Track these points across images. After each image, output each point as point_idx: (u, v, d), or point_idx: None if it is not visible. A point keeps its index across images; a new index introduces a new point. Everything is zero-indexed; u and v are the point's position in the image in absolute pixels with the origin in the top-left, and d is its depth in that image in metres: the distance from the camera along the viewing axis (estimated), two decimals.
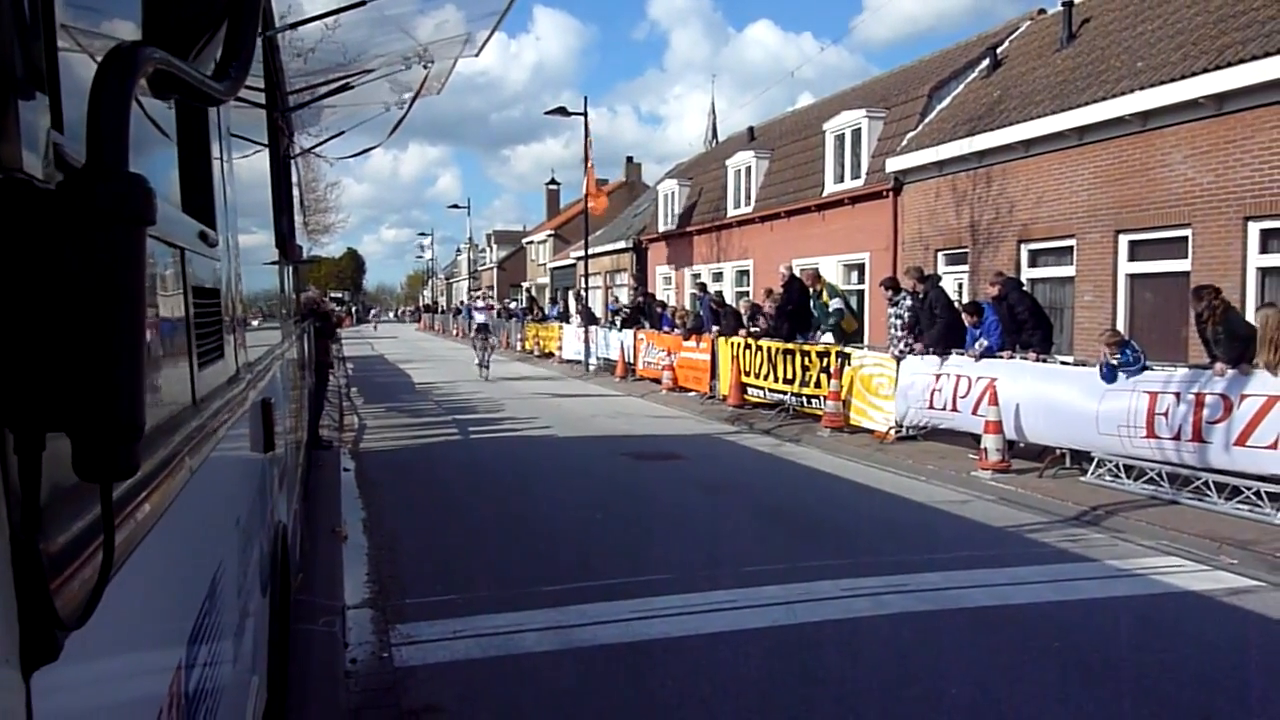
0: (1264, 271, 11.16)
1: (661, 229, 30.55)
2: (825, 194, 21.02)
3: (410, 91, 7.26)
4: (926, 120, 18.71)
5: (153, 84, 1.04)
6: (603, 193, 29.12)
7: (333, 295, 43.47)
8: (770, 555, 7.00)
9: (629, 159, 53.47)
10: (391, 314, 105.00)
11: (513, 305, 41.15)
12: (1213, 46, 12.06)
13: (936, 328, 11.69)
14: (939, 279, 14.12)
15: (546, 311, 34.19)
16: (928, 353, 11.69)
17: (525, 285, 55.32)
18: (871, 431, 12.46)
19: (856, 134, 20.34)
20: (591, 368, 23.92)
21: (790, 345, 14.43)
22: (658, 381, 19.23)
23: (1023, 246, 15.19)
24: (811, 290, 14.70)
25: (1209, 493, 8.19)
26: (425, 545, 7.50)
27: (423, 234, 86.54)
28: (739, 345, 15.90)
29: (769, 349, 14.96)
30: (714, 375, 16.99)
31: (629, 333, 21.98)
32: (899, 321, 12.45)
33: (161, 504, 1.32)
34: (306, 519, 7.14)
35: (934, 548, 7.29)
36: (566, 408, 17.03)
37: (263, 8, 3.66)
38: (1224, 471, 8.11)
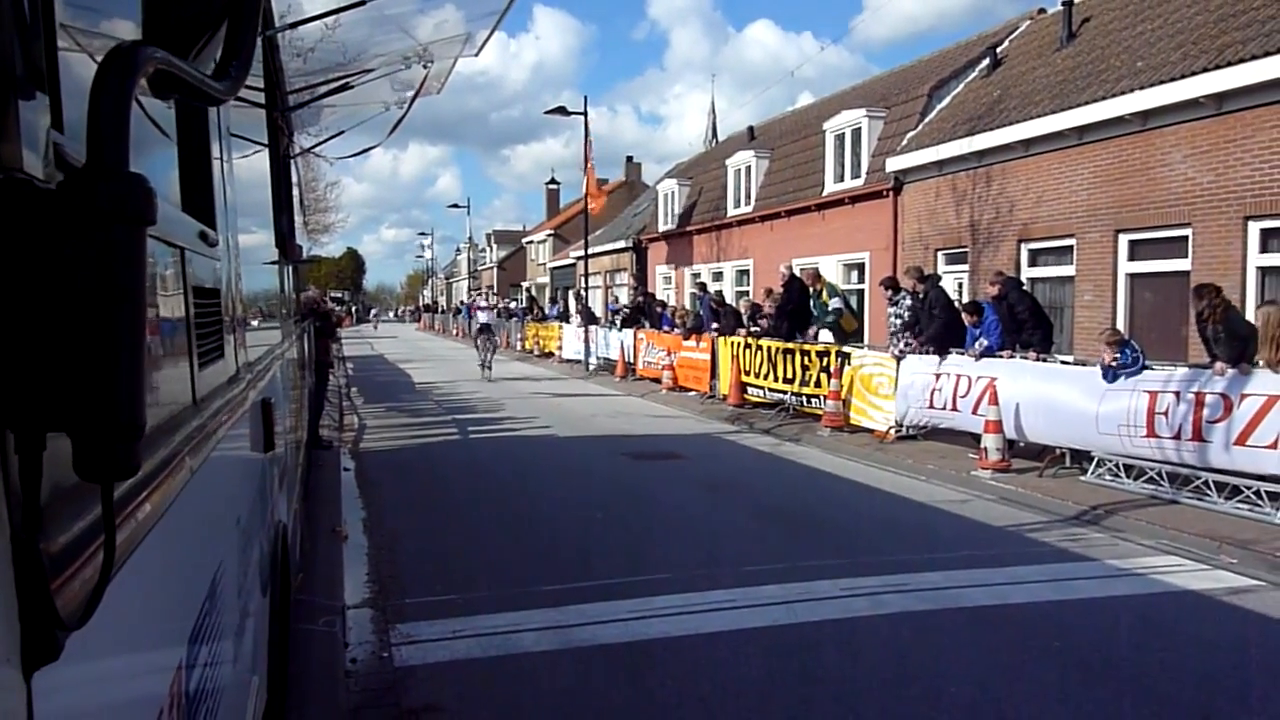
0: (1264, 271, 11.16)
1: (661, 229, 30.55)
2: (825, 193, 21.02)
3: (410, 91, 7.27)
4: (926, 120, 18.71)
5: (153, 84, 1.04)
6: (603, 193, 29.14)
7: (333, 295, 43.46)
8: (770, 555, 7.01)
9: (629, 159, 53.54)
10: (391, 314, 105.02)
11: (512, 305, 41.14)
12: (1213, 46, 12.06)
13: (933, 326, 11.71)
14: (939, 278, 14.13)
15: (546, 311, 34.19)
16: (924, 351, 11.71)
17: (525, 285, 55.33)
18: (871, 431, 12.46)
19: (856, 133, 20.34)
20: (591, 367, 23.92)
21: (790, 345, 14.43)
22: (658, 381, 19.23)
23: (1023, 246, 15.19)
24: (811, 290, 14.70)
25: (1209, 492, 8.19)
26: (425, 545, 7.50)
27: (422, 234, 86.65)
28: (739, 345, 15.90)
29: (769, 348, 14.96)
30: (714, 375, 16.99)
31: (629, 332, 21.98)
32: (899, 321, 12.46)
33: (162, 504, 1.32)
34: (307, 519, 7.14)
35: (934, 547, 7.29)
36: (566, 407, 17.03)
37: (262, 7, 3.66)
38: (1224, 471, 8.11)
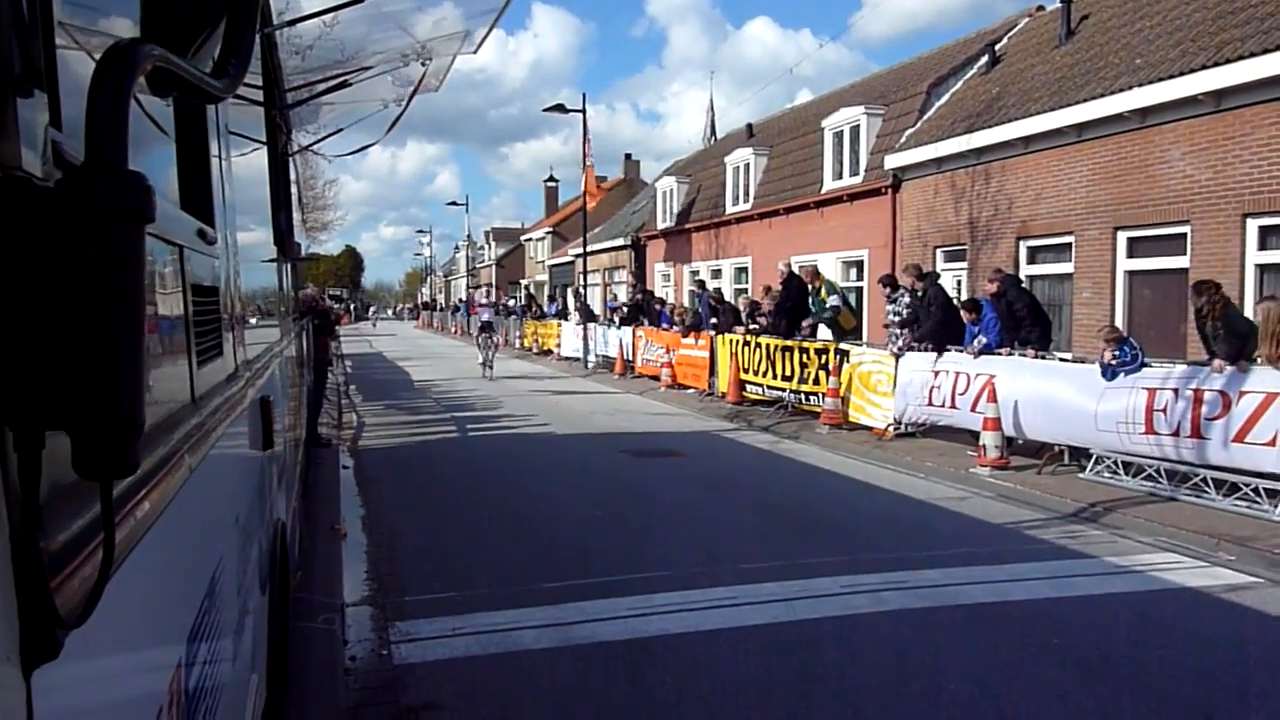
0: (1262, 268, 11.16)
1: (660, 226, 30.54)
2: (824, 191, 21.02)
3: (408, 88, 7.26)
4: (925, 117, 18.70)
5: (151, 81, 1.04)
6: (602, 190, 29.13)
7: (331, 293, 43.44)
8: (769, 552, 7.01)
9: (627, 156, 53.42)
10: (390, 311, 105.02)
11: (511, 302, 41.12)
12: (1211, 43, 12.06)
13: (928, 322, 11.74)
14: (937, 276, 14.14)
15: (545, 309, 34.17)
16: (920, 347, 11.72)
17: (524, 282, 55.31)
18: (870, 428, 12.47)
19: (855, 131, 20.33)
20: (590, 365, 23.91)
21: (789, 342, 14.43)
22: (656, 379, 19.23)
23: (1021, 243, 15.19)
24: (810, 287, 14.70)
25: (1207, 489, 8.20)
26: (424, 542, 7.50)
27: (421, 231, 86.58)
28: (738, 342, 15.90)
29: (768, 346, 14.96)
30: (713, 372, 16.99)
31: (628, 330, 21.97)
32: (897, 319, 12.47)
33: (161, 502, 1.32)
34: (305, 517, 7.14)
35: (933, 544, 7.30)
36: (565, 405, 17.03)
37: (261, 5, 3.65)
38: (1222, 468, 8.13)
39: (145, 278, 0.90)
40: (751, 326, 15.91)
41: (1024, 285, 12.36)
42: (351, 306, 68.62)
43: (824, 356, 13.44)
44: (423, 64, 6.68)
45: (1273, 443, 7.64)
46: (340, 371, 20.87)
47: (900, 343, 12.17)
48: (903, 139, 18.60)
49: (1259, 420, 7.77)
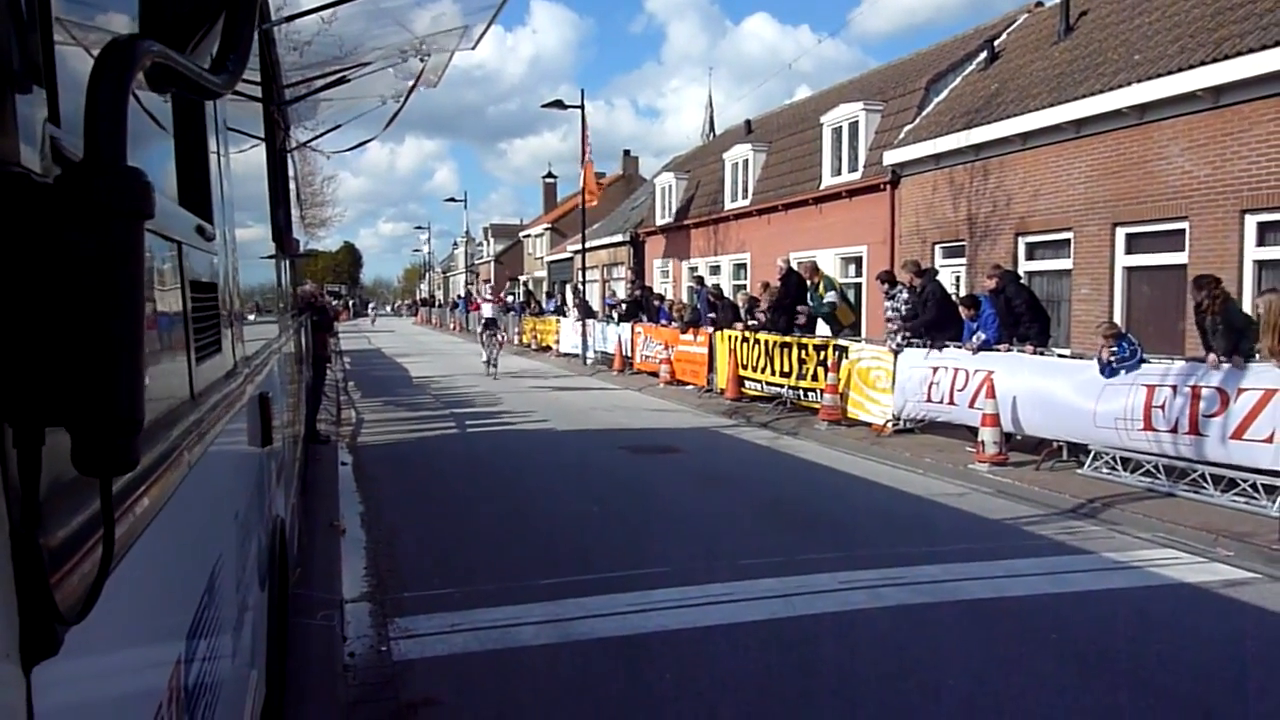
0: (1261, 264, 11.17)
1: (659, 222, 30.53)
2: (823, 187, 21.01)
3: (406, 84, 7.25)
4: (924, 113, 18.69)
5: (150, 77, 1.04)
6: (601, 186, 29.11)
7: (330, 289, 43.47)
8: (768, 548, 7.02)
9: (626, 152, 53.37)
10: (389, 308, 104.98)
11: (510, 299, 41.11)
12: (1210, 39, 12.06)
13: (923, 317, 11.76)
14: (935, 272, 14.14)
15: (543, 305, 34.16)
16: (915, 340, 11.74)
17: (522, 278, 55.30)
18: (869, 424, 12.47)
19: (854, 127, 20.32)
20: (589, 361, 23.91)
21: (788, 338, 14.43)
22: (655, 375, 19.24)
23: (1020, 239, 15.20)
24: (809, 283, 14.70)
25: (1206, 485, 8.21)
26: (423, 539, 7.50)
27: (420, 228, 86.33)
28: (736, 339, 15.90)
29: (766, 342, 14.97)
30: (711, 369, 17.00)
31: (626, 326, 21.97)
32: (896, 315, 12.47)
33: (160, 498, 1.32)
34: (304, 513, 7.14)
35: (931, 540, 7.31)
36: (564, 401, 17.04)
37: (259, 1, 3.64)
38: (1221, 464, 8.13)
39: (144, 274, 0.90)
40: (750, 323, 15.91)
41: (1023, 281, 12.36)
42: (350, 303, 68.65)
43: (823, 353, 13.45)
44: (421, 60, 6.66)
45: (1270, 439, 7.64)
46: (339, 368, 20.87)
47: (899, 338, 12.18)
48: (901, 135, 18.59)
49: (1257, 417, 7.78)
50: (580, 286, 28.32)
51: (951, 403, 11.09)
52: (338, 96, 7.55)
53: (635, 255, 33.16)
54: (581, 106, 25.07)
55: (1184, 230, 12.08)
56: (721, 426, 13.89)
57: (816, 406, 13.41)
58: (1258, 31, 11.23)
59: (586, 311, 25.59)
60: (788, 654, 5.08)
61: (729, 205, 25.55)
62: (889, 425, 12.10)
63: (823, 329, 14.85)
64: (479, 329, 23.90)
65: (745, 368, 15.63)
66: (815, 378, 13.57)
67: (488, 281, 42.68)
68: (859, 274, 19.95)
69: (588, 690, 4.68)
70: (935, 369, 11.40)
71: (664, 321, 19.97)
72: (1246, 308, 9.39)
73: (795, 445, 12.12)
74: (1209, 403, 8.16)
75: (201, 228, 1.97)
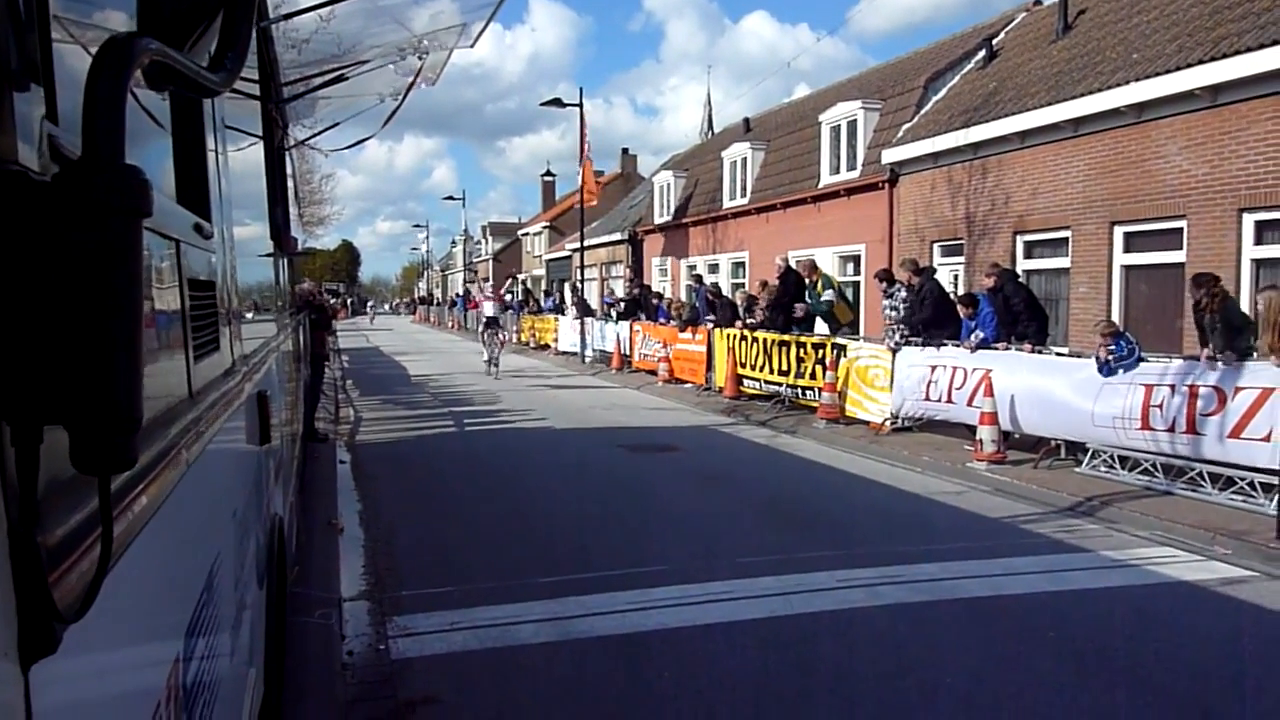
0: (1258, 263, 11.18)
1: (657, 220, 30.52)
2: (821, 185, 21.01)
3: (405, 82, 7.24)
4: (922, 112, 18.70)
5: (148, 75, 1.04)
6: (600, 184, 29.10)
7: (328, 288, 43.41)
8: (766, 546, 7.02)
9: (624, 150, 53.41)
10: (387, 306, 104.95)
11: (508, 297, 41.12)
12: (1208, 38, 12.06)
13: (920, 315, 11.77)
14: (933, 271, 14.14)
15: (542, 303, 34.16)
16: (913, 339, 11.74)
17: (521, 277, 55.28)
18: (867, 423, 12.48)
19: (852, 125, 20.32)
20: (587, 360, 23.91)
21: (786, 337, 14.43)
22: (654, 373, 19.24)
23: (1018, 238, 15.21)
24: (808, 281, 14.71)
25: (1203, 483, 8.22)
26: (422, 537, 7.50)
27: (418, 226, 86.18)
28: (735, 337, 15.90)
29: (765, 341, 14.97)
30: (710, 367, 17.00)
31: (625, 325, 21.97)
32: (894, 314, 12.48)
33: (159, 497, 1.32)
34: (303, 511, 7.13)
35: (929, 539, 7.32)
36: (563, 400, 17.04)
37: None
38: (1219, 462, 8.14)
39: (142, 272, 0.90)
40: (749, 321, 15.91)
41: (1021, 280, 12.37)
42: (349, 301, 68.63)
43: (821, 351, 13.45)
44: (419, 58, 6.66)
45: (1268, 438, 7.65)
46: (337, 366, 20.86)
47: (897, 337, 12.19)
48: (900, 134, 18.60)
49: (1254, 416, 7.78)
50: (579, 285, 28.32)
51: (950, 401, 11.10)
52: (336, 94, 7.54)
53: (634, 253, 33.16)
54: (580, 105, 25.06)
55: (1182, 229, 12.09)
56: (720, 425, 13.89)
57: (815, 405, 13.42)
58: (1255, 30, 11.24)
59: (585, 310, 25.59)
60: (786, 652, 5.09)
61: (727, 204, 25.55)
62: (887, 424, 12.11)
63: (821, 327, 14.86)
64: (480, 328, 23.42)
65: (744, 366, 15.63)
66: (814, 376, 13.58)
67: (486, 279, 42.69)
68: (857, 272, 19.95)
69: (587, 688, 4.68)
70: (933, 367, 11.41)
71: (662, 320, 19.97)
72: (1245, 306, 9.40)
73: (793, 444, 12.12)
74: (1206, 401, 8.17)
75: (199, 226, 1.97)
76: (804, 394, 13.96)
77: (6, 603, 0.79)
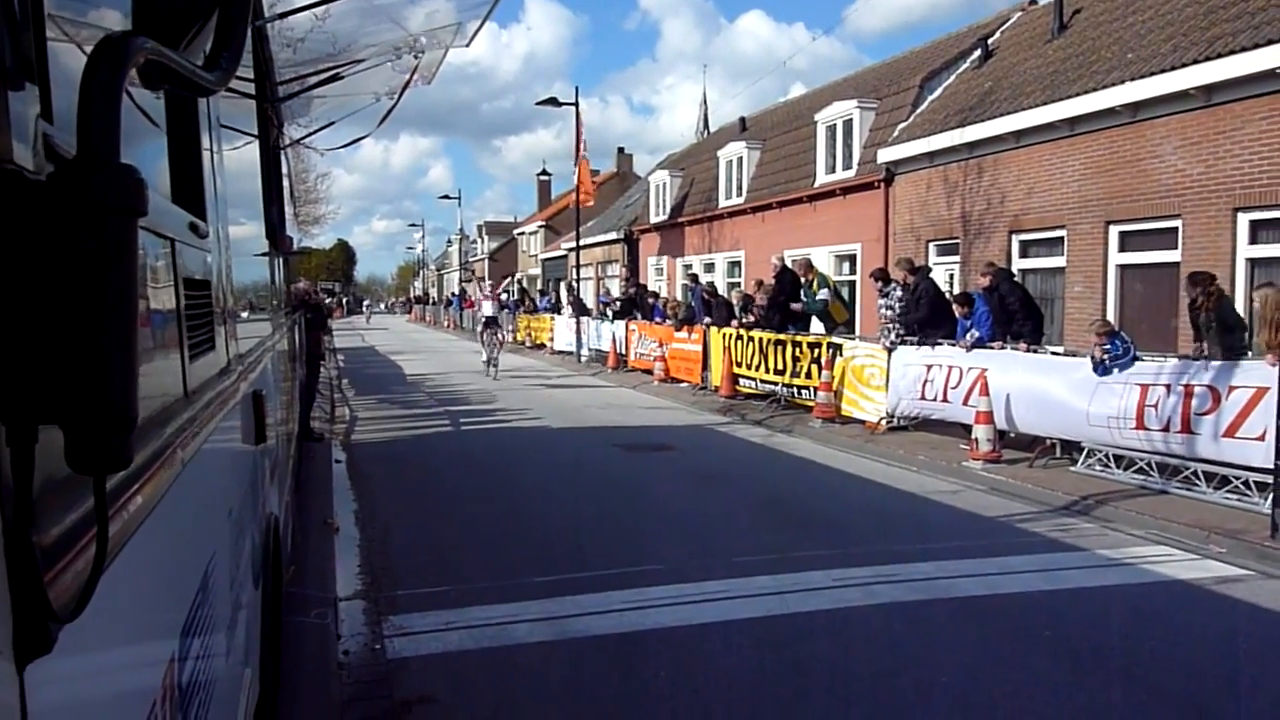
0: (1253, 262, 11.20)
1: (653, 220, 30.52)
2: (817, 185, 21.02)
3: (400, 81, 7.23)
4: (918, 111, 18.71)
5: (143, 74, 1.04)
6: (596, 184, 29.09)
7: (324, 287, 43.35)
8: (762, 546, 7.03)
9: (620, 150, 53.41)
10: (382, 305, 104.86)
11: (504, 296, 41.08)
12: (1203, 38, 12.09)
13: (916, 314, 11.79)
14: (929, 270, 14.16)
15: (538, 303, 34.15)
16: (909, 338, 11.76)
17: (517, 276, 55.26)
18: (863, 422, 12.49)
19: (848, 124, 20.33)
20: (583, 359, 23.91)
21: (782, 336, 14.44)
22: (649, 373, 19.24)
23: (1014, 237, 15.22)
24: (804, 280, 14.72)
25: (1198, 482, 8.23)
26: (417, 537, 7.50)
27: (413, 225, 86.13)
28: (730, 336, 15.91)
29: (760, 340, 14.98)
30: (706, 366, 17.00)
31: (621, 324, 21.97)
32: (889, 313, 12.49)
33: (154, 496, 1.32)
34: (298, 511, 7.12)
35: (925, 538, 7.32)
36: (559, 399, 17.03)
37: None
38: (1213, 461, 8.16)
39: (138, 271, 0.90)
40: (745, 320, 15.92)
41: (1016, 279, 12.38)
42: (344, 300, 68.54)
43: (817, 350, 13.46)
44: (415, 57, 6.64)
45: (1262, 437, 7.66)
46: (333, 365, 20.84)
47: (892, 336, 12.20)
48: (895, 133, 18.61)
49: (1249, 415, 7.80)
50: (575, 284, 28.31)
51: (945, 400, 11.11)
52: (331, 94, 7.52)
53: (630, 253, 33.15)
54: (576, 104, 25.05)
55: (1177, 228, 12.11)
56: (716, 424, 13.89)
57: (811, 404, 13.43)
58: (1250, 30, 11.26)
59: (581, 309, 25.58)
60: (782, 651, 5.09)
61: (723, 203, 25.55)
62: (883, 423, 12.12)
63: (817, 326, 14.87)
64: (479, 328, 23.20)
65: (739, 365, 15.64)
66: (809, 375, 13.59)
67: (484, 279, 42.66)
68: (853, 271, 19.96)
69: (583, 688, 4.68)
70: (929, 366, 11.42)
71: (658, 319, 19.97)
72: (1240, 306, 9.43)
73: (789, 443, 12.13)
74: (1201, 401, 8.19)
75: (195, 225, 1.97)
76: (799, 393, 13.97)
77: (2, 602, 0.79)
